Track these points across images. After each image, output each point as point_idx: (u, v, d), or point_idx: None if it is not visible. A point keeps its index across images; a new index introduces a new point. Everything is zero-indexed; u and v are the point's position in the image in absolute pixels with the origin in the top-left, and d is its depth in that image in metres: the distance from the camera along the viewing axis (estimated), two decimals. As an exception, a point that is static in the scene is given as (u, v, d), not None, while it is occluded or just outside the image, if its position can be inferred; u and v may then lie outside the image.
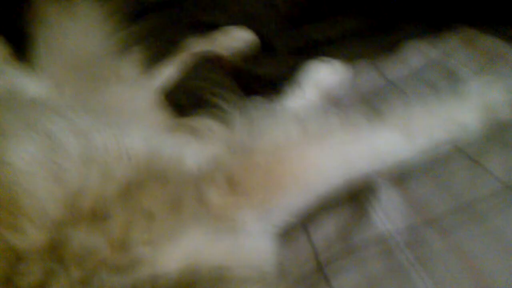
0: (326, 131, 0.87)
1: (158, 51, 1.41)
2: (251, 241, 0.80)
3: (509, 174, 0.76)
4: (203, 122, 1.07)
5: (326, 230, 0.83)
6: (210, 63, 1.28)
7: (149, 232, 0.74)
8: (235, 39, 1.43)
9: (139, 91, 1.25)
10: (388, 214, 0.79)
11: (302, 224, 0.86)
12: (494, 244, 0.68)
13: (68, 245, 0.73)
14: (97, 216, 0.77)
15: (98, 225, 0.75)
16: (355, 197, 0.85)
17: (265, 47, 1.36)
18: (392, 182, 0.84)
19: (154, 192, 0.79)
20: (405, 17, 1.22)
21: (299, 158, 0.84)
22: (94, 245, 0.73)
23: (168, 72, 1.36)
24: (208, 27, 1.49)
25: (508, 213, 0.71)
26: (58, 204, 0.81)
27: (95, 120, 1.01)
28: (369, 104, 0.94)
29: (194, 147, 0.96)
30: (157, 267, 0.70)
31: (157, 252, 0.73)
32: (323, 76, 1.15)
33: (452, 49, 1.08)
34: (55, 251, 0.74)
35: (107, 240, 0.73)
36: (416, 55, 1.10)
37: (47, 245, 0.75)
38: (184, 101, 1.16)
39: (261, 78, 1.21)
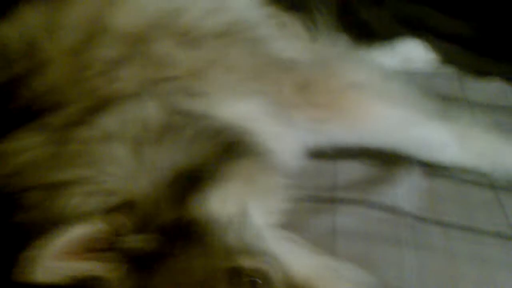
0: (397, 99, 0.92)
1: None
2: (285, 138, 0.86)
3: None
4: (295, 25, 1.09)
5: (351, 174, 0.90)
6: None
7: (222, 80, 0.79)
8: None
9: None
10: (408, 194, 0.85)
11: (332, 156, 0.92)
12: (478, 269, 0.75)
13: (153, 46, 0.78)
14: (187, 37, 0.81)
15: (185, 47, 0.79)
16: (389, 164, 0.91)
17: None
18: (425, 172, 0.90)
19: (244, 53, 0.84)
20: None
21: (366, 102, 0.89)
22: (175, 59, 0.77)
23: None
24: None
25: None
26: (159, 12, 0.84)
27: None
28: (439, 103, 0.97)
29: (285, 40, 0.99)
30: (213, 108, 0.75)
31: (219, 99, 0.78)
32: (414, 55, 1.19)
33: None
34: (139, 43, 0.78)
35: (187, 63, 0.78)
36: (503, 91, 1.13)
37: (137, 32, 0.79)
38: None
39: (361, 21, 1.23)
